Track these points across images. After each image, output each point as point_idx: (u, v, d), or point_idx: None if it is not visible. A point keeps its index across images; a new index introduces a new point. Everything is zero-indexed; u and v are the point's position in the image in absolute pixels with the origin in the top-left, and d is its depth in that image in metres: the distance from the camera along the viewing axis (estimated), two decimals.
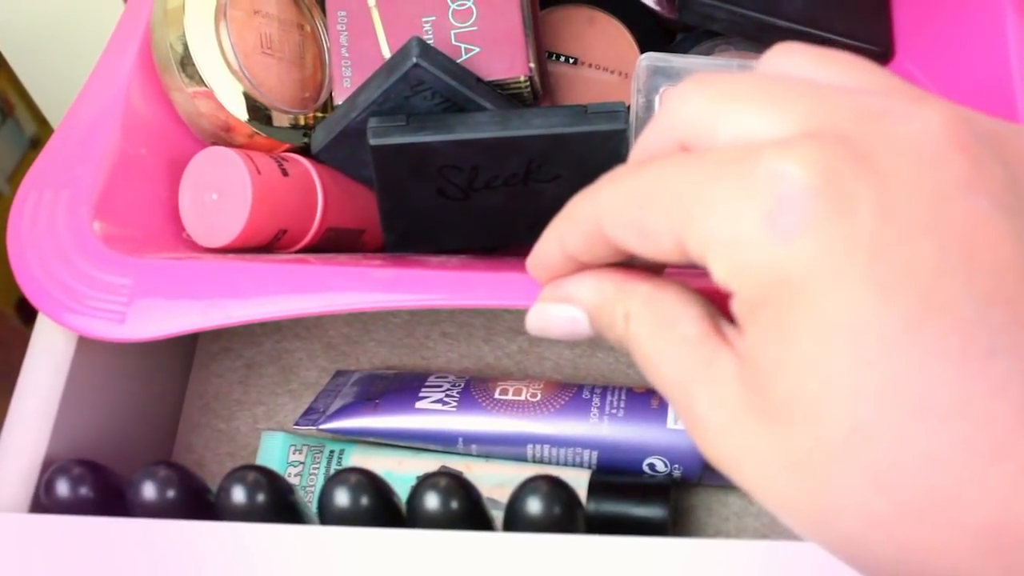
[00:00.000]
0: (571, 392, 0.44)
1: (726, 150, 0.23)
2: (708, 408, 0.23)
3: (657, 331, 0.25)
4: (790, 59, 0.24)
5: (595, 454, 0.43)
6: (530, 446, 0.43)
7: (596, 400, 0.43)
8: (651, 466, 0.43)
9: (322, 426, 0.45)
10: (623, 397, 0.44)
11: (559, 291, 0.28)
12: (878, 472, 0.20)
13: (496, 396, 0.44)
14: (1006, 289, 0.20)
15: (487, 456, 0.44)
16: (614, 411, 0.43)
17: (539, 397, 0.44)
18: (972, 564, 0.20)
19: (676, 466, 0.43)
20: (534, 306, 0.29)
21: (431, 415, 0.44)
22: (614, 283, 0.26)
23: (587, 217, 0.25)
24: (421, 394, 0.45)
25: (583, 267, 0.27)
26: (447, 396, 0.44)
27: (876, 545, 0.21)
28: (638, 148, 0.26)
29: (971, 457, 0.20)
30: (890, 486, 0.20)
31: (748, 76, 0.24)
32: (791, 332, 0.21)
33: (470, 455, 0.44)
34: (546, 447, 0.43)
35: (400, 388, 0.46)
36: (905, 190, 0.21)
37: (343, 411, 0.45)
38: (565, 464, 0.44)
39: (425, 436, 0.44)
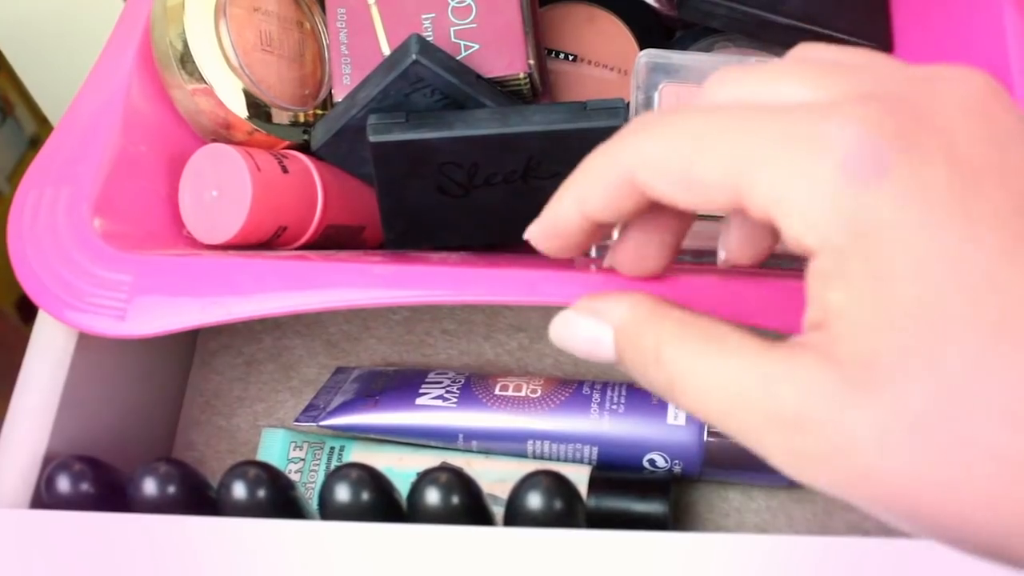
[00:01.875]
0: (571, 388, 0.44)
1: (784, 107, 0.22)
2: (803, 401, 0.22)
3: (705, 348, 0.24)
4: (814, 51, 0.25)
5: (595, 450, 0.43)
6: (530, 442, 0.43)
7: (596, 396, 0.44)
8: (651, 462, 0.43)
9: (322, 423, 0.45)
10: (623, 393, 0.44)
11: (590, 303, 0.27)
12: (1009, 408, 0.20)
13: (496, 392, 0.44)
14: None
15: (487, 452, 0.44)
16: (614, 407, 0.43)
17: (539, 393, 0.44)
18: None
19: (676, 462, 0.43)
20: (561, 314, 0.28)
21: (431, 411, 0.44)
22: (649, 306, 0.26)
23: (612, 168, 0.25)
24: (421, 391, 0.45)
25: (596, 231, 0.27)
26: (447, 392, 0.45)
27: (1018, 493, 0.20)
28: None
29: None
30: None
31: (780, 61, 0.24)
32: (891, 277, 0.21)
33: (470, 451, 0.44)
34: (546, 443, 0.43)
35: (400, 385, 0.46)
36: (966, 140, 0.21)
37: (343, 408, 0.45)
38: (566, 460, 0.44)
39: (425, 432, 0.44)
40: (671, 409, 0.43)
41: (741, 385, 0.23)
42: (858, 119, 0.21)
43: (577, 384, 0.45)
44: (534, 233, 0.28)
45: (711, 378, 0.23)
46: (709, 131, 0.23)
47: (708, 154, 0.23)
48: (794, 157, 0.22)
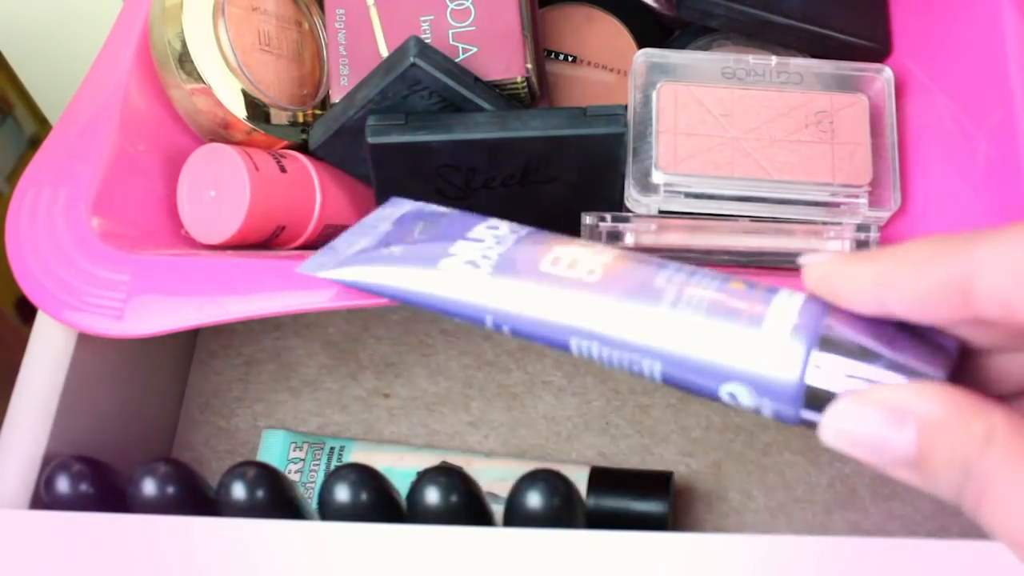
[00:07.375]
0: (643, 274, 0.30)
1: None
2: None
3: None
4: None
5: (657, 366, 0.29)
6: (574, 340, 0.31)
7: (673, 288, 0.29)
8: (732, 395, 0.28)
9: (322, 273, 0.35)
10: (714, 285, 0.29)
11: (884, 393, 0.23)
12: None
13: (541, 268, 0.32)
14: None
15: (526, 337, 0.32)
16: (695, 302, 0.29)
17: (598, 276, 0.31)
18: None
19: (765, 400, 0.27)
20: (835, 406, 0.24)
21: (455, 277, 0.33)
22: (969, 399, 0.22)
23: (951, 269, 0.22)
24: (451, 251, 0.33)
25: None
26: (484, 256, 0.33)
27: None
28: None
29: None
30: None
31: None
32: None
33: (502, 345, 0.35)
34: (594, 345, 0.30)
35: (443, 233, 0.35)
36: None
37: (358, 256, 0.35)
38: (620, 369, 0.31)
39: (445, 307, 0.33)
40: (771, 315, 0.27)
41: None
42: None
43: (657, 267, 0.30)
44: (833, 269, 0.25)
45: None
46: None
47: None
48: None
